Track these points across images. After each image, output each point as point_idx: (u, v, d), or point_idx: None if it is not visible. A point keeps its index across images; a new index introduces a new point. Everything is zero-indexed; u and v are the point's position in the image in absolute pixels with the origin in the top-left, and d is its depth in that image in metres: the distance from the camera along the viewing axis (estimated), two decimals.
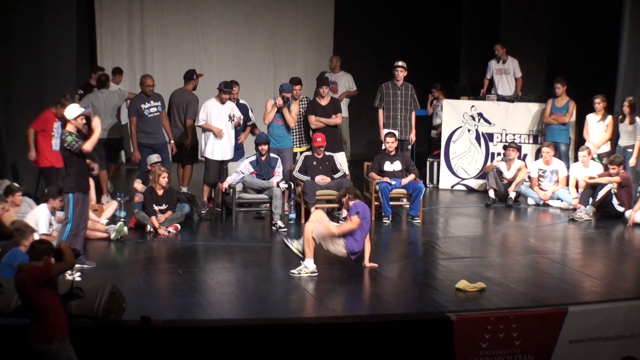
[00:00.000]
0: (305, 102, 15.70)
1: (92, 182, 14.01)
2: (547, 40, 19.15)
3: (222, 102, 14.72)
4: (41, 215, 12.26)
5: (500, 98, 17.37)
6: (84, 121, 11.63)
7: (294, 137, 15.54)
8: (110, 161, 15.83)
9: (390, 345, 9.56)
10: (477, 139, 17.22)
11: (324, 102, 15.47)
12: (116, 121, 15.77)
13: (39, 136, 13.97)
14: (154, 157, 14.44)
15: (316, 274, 11.40)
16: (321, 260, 11.92)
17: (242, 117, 15.06)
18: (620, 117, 15.69)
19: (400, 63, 16.04)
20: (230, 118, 14.78)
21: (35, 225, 11.69)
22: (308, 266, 11.46)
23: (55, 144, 13.84)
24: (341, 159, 15.18)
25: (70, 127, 11.40)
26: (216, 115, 14.74)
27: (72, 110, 11.45)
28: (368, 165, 15.24)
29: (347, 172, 15.07)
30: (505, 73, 18.06)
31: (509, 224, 14.98)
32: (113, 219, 13.69)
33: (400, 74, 15.98)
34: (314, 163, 14.68)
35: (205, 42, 20.17)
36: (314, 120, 15.32)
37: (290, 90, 15.18)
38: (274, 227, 13.90)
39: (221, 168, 14.75)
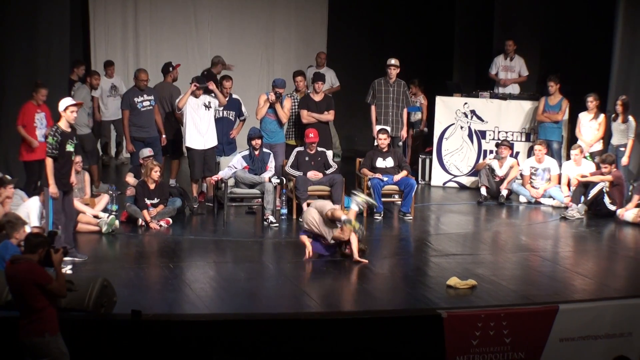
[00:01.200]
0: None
1: (87, 177, 14.11)
2: (540, 39, 19.16)
3: (196, 96, 14.74)
4: (33, 207, 12.25)
5: (493, 95, 17.39)
6: (75, 114, 11.63)
7: (288, 130, 15.55)
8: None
9: (381, 341, 9.57)
10: (470, 136, 17.22)
11: (317, 97, 15.44)
12: (84, 117, 15.78)
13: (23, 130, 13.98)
14: (147, 151, 14.42)
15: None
16: (313, 256, 11.95)
17: (217, 102, 15.04)
18: (613, 115, 15.71)
19: (392, 61, 16.00)
20: (206, 106, 14.78)
21: (26, 217, 11.68)
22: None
23: (39, 135, 13.85)
24: (329, 156, 15.19)
25: (62, 122, 11.38)
26: (191, 108, 14.73)
27: (63, 103, 11.46)
28: (360, 161, 15.24)
29: (335, 168, 15.17)
30: (511, 70, 18.12)
31: (501, 222, 14.99)
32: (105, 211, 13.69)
33: (393, 72, 15.95)
34: (306, 159, 14.67)
35: (199, 37, 20.16)
36: (306, 115, 15.30)
37: (283, 85, 15.18)
38: (265, 222, 13.90)
39: (210, 161, 14.76)
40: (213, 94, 14.85)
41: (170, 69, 15.82)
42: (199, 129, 14.77)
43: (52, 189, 11.37)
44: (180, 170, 15.95)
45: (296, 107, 15.50)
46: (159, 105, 15.46)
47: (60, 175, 11.44)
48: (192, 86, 14.73)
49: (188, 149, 14.91)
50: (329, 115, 15.46)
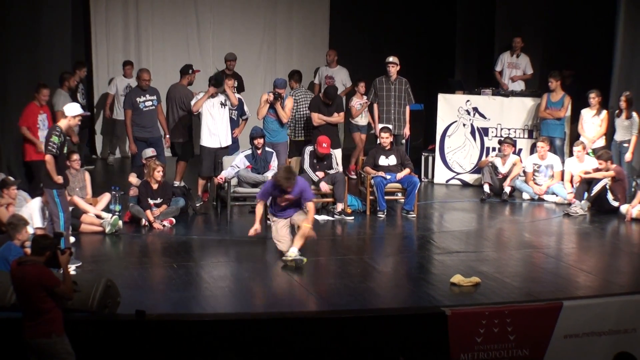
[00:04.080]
0: (304, 96, 15.72)
1: (87, 176, 14.09)
2: (542, 35, 19.15)
3: (213, 97, 14.74)
4: (35, 209, 12.25)
5: (496, 92, 17.38)
6: (80, 123, 11.70)
7: (295, 127, 15.58)
8: None
9: (385, 339, 9.57)
10: (472, 133, 17.21)
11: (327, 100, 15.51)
12: None
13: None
14: (149, 151, 14.43)
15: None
16: (316, 254, 11.97)
17: (236, 97, 15.10)
18: (617, 111, 15.68)
19: (391, 59, 15.99)
20: (223, 104, 14.80)
21: (29, 218, 11.69)
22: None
23: (42, 136, 13.85)
24: (337, 155, 15.19)
25: (63, 123, 11.34)
26: (207, 107, 14.74)
27: (73, 109, 11.43)
28: (363, 159, 15.24)
29: (340, 169, 15.18)
30: (516, 68, 18.14)
31: (504, 219, 14.99)
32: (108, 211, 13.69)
33: (392, 69, 15.94)
34: (314, 160, 14.62)
35: (201, 36, 20.14)
36: (317, 118, 15.34)
37: (283, 86, 15.21)
38: (268, 221, 13.86)
39: (216, 161, 14.75)
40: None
41: (190, 71, 15.75)
42: (215, 127, 14.78)
43: (59, 180, 11.31)
44: (185, 172, 15.85)
45: (302, 104, 15.54)
46: (171, 106, 15.45)
47: (61, 173, 11.43)
48: (210, 89, 14.71)
49: (202, 147, 14.91)
50: (339, 117, 15.52)
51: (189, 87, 15.63)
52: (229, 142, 14.99)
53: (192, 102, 14.86)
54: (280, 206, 12.15)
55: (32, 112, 14.00)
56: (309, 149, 14.79)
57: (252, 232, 12.22)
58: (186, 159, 15.58)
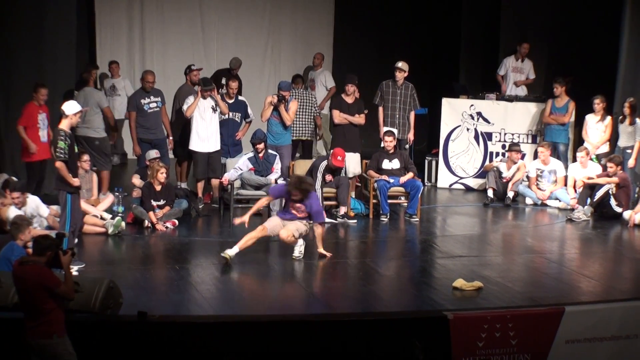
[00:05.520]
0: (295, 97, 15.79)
1: (95, 178, 14.11)
2: (547, 40, 19.15)
3: (204, 97, 14.74)
4: (10, 215, 12.02)
5: (499, 97, 17.38)
6: (80, 120, 11.68)
7: (297, 127, 15.60)
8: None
9: (387, 343, 9.56)
10: (476, 138, 17.21)
11: (349, 100, 15.43)
12: (99, 121, 15.38)
13: (27, 131, 13.96)
14: (153, 153, 14.44)
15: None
16: (319, 258, 11.96)
17: (226, 105, 15.09)
18: (621, 117, 15.68)
19: (399, 64, 15.97)
20: (214, 109, 14.80)
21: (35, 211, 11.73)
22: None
23: (43, 135, 13.88)
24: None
25: (64, 124, 11.31)
26: (198, 111, 14.73)
27: (71, 106, 11.41)
28: (367, 163, 15.23)
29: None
30: (520, 72, 18.13)
31: (507, 224, 14.98)
32: (111, 212, 13.69)
33: (399, 75, 15.91)
34: (325, 173, 14.55)
35: (205, 38, 20.16)
36: (338, 115, 15.30)
37: (288, 88, 15.19)
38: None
39: (214, 163, 14.75)
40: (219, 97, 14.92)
41: (188, 71, 15.76)
42: (204, 132, 14.77)
43: (76, 182, 11.35)
44: (189, 173, 15.88)
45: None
46: (175, 107, 15.45)
47: (75, 176, 11.43)
48: (199, 92, 14.73)
49: (193, 152, 14.91)
50: (360, 119, 15.44)
51: (195, 87, 15.64)
52: (218, 147, 14.96)
53: (184, 108, 14.81)
54: (290, 213, 12.14)
55: (32, 111, 13.98)
56: (323, 164, 14.55)
57: (237, 221, 12.29)
58: (188, 159, 15.57)
